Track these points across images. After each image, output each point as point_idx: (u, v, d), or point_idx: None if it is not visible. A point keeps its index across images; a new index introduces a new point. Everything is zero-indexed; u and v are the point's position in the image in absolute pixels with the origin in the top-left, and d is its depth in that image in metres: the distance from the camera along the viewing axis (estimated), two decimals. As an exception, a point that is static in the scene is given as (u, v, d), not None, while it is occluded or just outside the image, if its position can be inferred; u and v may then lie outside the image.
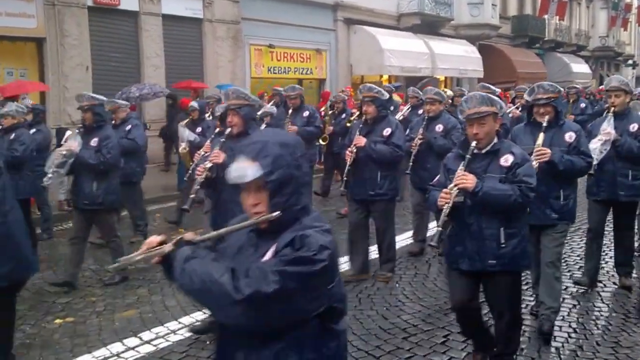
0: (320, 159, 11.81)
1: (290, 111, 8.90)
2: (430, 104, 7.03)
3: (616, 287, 5.92)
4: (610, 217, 5.90)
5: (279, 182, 2.01)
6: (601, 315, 5.29)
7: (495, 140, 3.89)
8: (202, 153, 5.19)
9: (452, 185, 3.77)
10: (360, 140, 5.98)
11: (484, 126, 3.80)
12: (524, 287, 5.05)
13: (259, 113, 7.89)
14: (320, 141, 10.13)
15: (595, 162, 5.13)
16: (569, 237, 6.56)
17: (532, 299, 5.31)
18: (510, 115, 9.59)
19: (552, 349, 4.57)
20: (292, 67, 18.71)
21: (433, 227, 4.33)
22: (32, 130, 7.50)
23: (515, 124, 7.73)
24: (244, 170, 2.00)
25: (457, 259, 3.94)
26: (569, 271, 6.29)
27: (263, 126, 6.59)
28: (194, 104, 9.08)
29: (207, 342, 4.69)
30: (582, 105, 13.48)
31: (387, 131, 6.01)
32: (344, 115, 10.04)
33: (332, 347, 2.08)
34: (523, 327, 4.39)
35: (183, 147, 8.04)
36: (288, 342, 2.00)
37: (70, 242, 6.28)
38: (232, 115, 4.68)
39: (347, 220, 6.66)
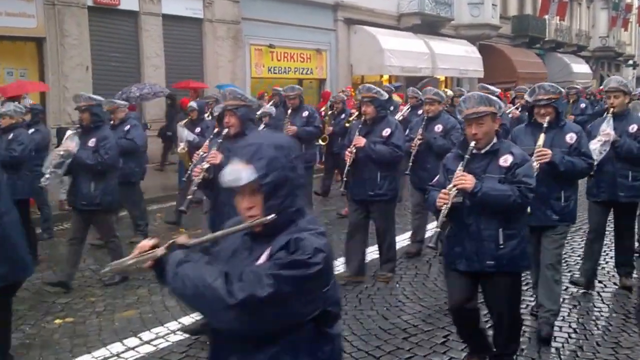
0: (321, 159, 11.80)
1: (289, 111, 8.88)
2: (430, 104, 7.01)
3: (616, 287, 5.91)
4: (610, 217, 5.88)
5: (273, 185, 1.99)
6: (601, 316, 5.27)
7: (495, 140, 3.87)
8: (201, 153, 5.18)
9: (450, 185, 3.75)
10: (360, 141, 5.96)
11: (482, 126, 3.78)
12: (524, 288, 5.04)
13: (258, 113, 7.88)
14: (320, 141, 10.12)
15: (594, 163, 5.12)
16: (569, 238, 6.55)
17: (532, 299, 5.29)
18: (510, 115, 9.57)
19: (552, 350, 4.56)
20: (292, 67, 18.67)
21: (432, 228, 4.32)
22: (31, 130, 7.46)
23: (515, 124, 7.73)
24: (238, 173, 1.97)
25: (455, 259, 3.93)
26: (569, 272, 6.26)
27: (262, 126, 6.58)
28: (192, 104, 9.05)
29: (207, 343, 4.66)
30: (582, 105, 13.44)
31: (386, 131, 5.98)
32: (343, 116, 10.03)
33: (326, 351, 2.06)
34: (523, 327, 4.37)
35: (182, 147, 8.02)
36: (282, 346, 1.98)
37: (68, 243, 6.28)
38: (229, 116, 4.67)
39: (348, 221, 6.64)
